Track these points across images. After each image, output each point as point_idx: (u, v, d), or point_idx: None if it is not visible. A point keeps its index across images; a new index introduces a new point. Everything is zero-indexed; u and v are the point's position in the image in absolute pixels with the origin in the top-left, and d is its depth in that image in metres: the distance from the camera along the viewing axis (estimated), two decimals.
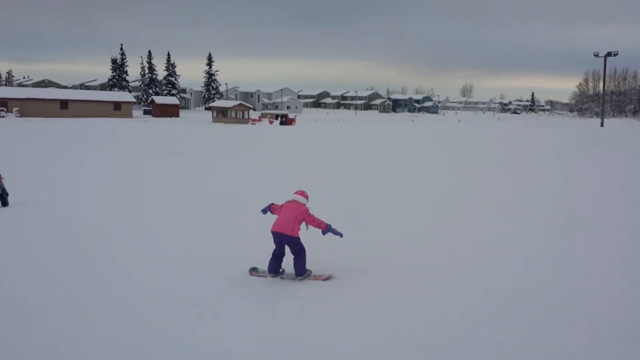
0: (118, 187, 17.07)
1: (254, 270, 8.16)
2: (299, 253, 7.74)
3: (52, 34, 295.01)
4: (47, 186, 16.84)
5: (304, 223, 7.81)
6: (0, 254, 9.20)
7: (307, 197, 7.99)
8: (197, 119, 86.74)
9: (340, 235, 7.96)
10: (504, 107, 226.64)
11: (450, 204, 15.17)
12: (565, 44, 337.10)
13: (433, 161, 27.80)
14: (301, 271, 7.81)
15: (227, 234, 10.98)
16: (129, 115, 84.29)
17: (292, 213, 7.71)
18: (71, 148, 31.03)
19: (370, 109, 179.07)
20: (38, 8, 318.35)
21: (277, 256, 7.90)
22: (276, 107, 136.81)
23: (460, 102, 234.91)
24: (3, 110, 71.04)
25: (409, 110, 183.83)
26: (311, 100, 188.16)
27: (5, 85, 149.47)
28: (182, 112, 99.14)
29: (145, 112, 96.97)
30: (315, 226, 7.79)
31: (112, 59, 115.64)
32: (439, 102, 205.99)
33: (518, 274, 8.55)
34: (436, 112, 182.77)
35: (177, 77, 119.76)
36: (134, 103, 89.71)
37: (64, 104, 78.96)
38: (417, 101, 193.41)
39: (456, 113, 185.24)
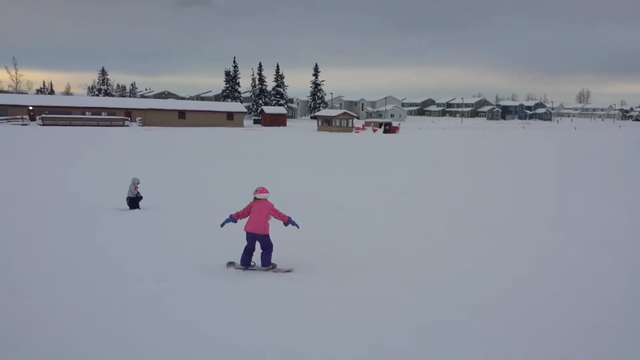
0: (231, 194, 18.37)
1: (230, 264, 9.12)
2: (267, 248, 8.80)
3: (172, 49, 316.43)
4: (174, 191, 18.19)
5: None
6: (104, 252, 10.31)
7: (268, 192, 8.97)
8: (303, 127, 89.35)
9: (297, 226, 9.00)
10: (625, 114, 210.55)
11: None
12: None
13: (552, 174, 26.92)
14: (267, 263, 8.84)
15: (327, 235, 11.67)
16: (240, 124, 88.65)
17: (262, 213, 8.71)
18: (193, 155, 33.46)
19: (478, 116, 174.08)
20: (159, 24, 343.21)
21: (249, 252, 8.89)
22: (380, 116, 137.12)
23: (575, 109, 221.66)
24: (127, 120, 77.49)
25: (520, 117, 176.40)
26: (415, 108, 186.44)
27: (130, 96, 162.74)
28: (289, 121, 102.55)
29: (255, 122, 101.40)
30: (280, 219, 8.87)
31: (225, 71, 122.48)
32: (553, 109, 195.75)
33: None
34: (549, 119, 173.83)
35: (285, 87, 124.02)
36: (245, 113, 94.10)
37: (181, 114, 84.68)
38: (529, 108, 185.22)
39: (572, 120, 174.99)
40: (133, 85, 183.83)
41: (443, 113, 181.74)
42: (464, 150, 42.48)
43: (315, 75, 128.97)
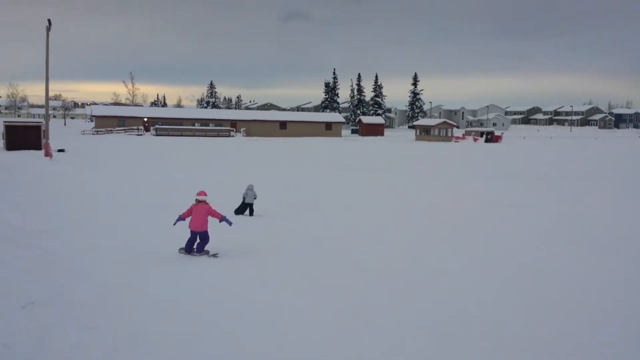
0: (332, 201, 18.96)
1: (181, 249, 11.07)
2: (204, 240, 10.90)
3: (275, 62, 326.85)
4: (285, 198, 19.08)
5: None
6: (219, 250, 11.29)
7: (206, 194, 10.97)
8: (400, 137, 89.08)
9: (230, 224, 11.07)
10: None
11: None
12: None
13: None
14: (200, 250, 10.92)
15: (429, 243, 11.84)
16: (338, 134, 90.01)
17: (202, 214, 10.73)
18: (294, 165, 34.65)
19: (588, 124, 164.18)
20: (263, 39, 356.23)
21: (191, 242, 10.95)
22: (481, 124, 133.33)
23: None
24: (232, 130, 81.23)
25: (635, 126, 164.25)
26: (520, 116, 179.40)
27: (235, 108, 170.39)
28: (386, 131, 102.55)
29: (353, 132, 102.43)
30: (215, 217, 10.90)
31: (325, 82, 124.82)
32: None
33: None
34: None
35: (383, 97, 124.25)
36: (343, 123, 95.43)
37: (282, 124, 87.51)
38: None
39: None
40: (238, 97, 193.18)
41: (550, 122, 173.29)
42: (577, 161, 40.47)
43: (414, 84, 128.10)
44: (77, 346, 6.33)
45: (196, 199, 10.88)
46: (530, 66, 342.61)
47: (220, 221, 10.99)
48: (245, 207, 15.41)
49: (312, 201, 18.53)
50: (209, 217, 10.82)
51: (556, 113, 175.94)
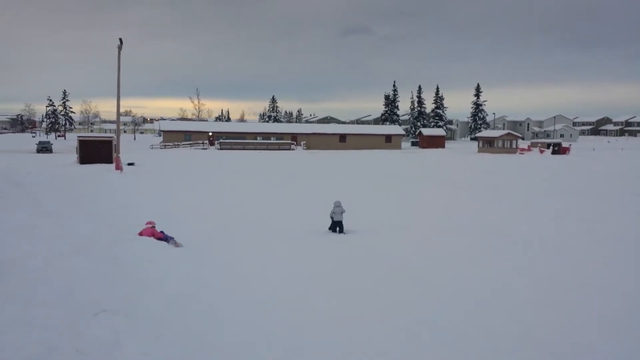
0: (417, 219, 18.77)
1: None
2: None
3: (335, 76, 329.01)
4: (364, 214, 18.68)
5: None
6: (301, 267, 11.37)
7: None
8: (461, 149, 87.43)
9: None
10: None
11: None
12: None
13: None
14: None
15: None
16: (398, 147, 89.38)
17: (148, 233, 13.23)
18: (361, 179, 34.65)
19: None
20: (324, 54, 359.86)
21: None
22: (548, 136, 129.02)
23: None
24: (293, 144, 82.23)
25: None
26: (589, 127, 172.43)
27: (296, 122, 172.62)
28: (447, 143, 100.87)
29: (413, 144, 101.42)
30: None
31: (385, 95, 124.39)
32: None
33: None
34: None
35: (444, 109, 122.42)
36: (403, 135, 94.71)
37: (342, 137, 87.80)
38: None
39: None
40: (299, 111, 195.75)
41: (621, 132, 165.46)
42: None
43: (477, 95, 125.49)
44: (146, 354, 6.54)
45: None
46: (599, 76, 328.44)
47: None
48: (334, 225, 15.21)
49: (391, 219, 18.09)
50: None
51: (627, 124, 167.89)
